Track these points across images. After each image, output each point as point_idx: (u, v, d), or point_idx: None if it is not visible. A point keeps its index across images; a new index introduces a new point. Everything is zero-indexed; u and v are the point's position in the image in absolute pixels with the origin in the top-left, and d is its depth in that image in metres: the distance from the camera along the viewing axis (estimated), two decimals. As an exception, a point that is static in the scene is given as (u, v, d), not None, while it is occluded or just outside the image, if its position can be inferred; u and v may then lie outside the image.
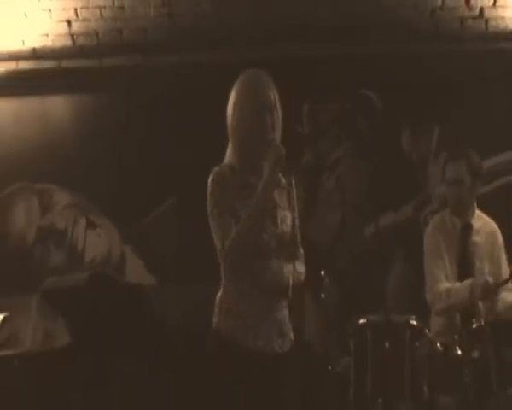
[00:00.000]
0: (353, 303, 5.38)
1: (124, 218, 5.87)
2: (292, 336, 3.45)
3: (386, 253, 5.80)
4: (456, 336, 4.08)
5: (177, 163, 5.73)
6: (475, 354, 3.95)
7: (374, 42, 5.70)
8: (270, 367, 3.32)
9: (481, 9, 5.69)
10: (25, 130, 5.94)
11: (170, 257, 5.80)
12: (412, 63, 5.71)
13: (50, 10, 5.66)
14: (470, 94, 5.74)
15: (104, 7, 5.66)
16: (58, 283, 5.27)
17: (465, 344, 3.99)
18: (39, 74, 5.83)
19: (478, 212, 4.72)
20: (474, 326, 4.04)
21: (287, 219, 3.41)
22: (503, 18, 5.71)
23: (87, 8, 5.67)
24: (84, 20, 5.72)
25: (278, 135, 3.40)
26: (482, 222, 4.71)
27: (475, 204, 4.70)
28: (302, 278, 3.48)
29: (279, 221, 3.39)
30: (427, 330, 4.12)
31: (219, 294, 3.43)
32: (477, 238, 4.63)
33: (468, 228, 4.64)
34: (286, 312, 3.41)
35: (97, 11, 5.68)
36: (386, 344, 3.98)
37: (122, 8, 5.66)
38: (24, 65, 5.85)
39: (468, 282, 4.45)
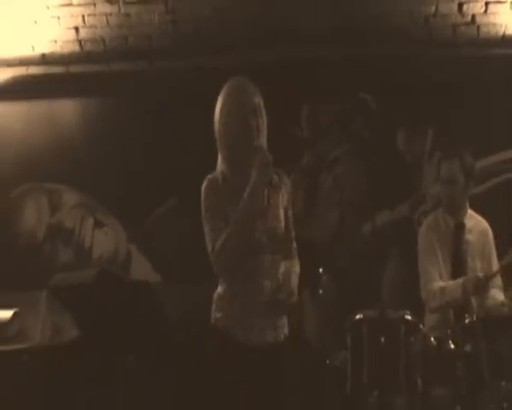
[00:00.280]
0: (350, 299, 5.33)
1: (129, 217, 5.91)
2: (286, 330, 3.54)
3: (383, 251, 5.83)
4: (449, 331, 4.11)
5: (180, 166, 5.76)
6: (468, 348, 3.98)
7: (372, 44, 5.73)
8: (265, 359, 3.43)
9: (473, 16, 5.70)
10: (34, 132, 6.00)
11: (172, 256, 5.84)
12: (408, 65, 5.75)
13: (59, 17, 5.67)
14: (463, 96, 5.78)
15: (110, 14, 5.66)
16: (66, 279, 5.21)
17: (458, 339, 4.02)
18: (48, 79, 5.88)
19: (470, 211, 4.77)
20: (466, 322, 4.05)
21: (279, 215, 3.51)
22: (494, 24, 5.73)
23: (94, 15, 5.67)
24: (92, 26, 5.73)
25: (264, 141, 3.48)
26: (474, 221, 4.77)
27: (467, 204, 4.76)
28: (297, 272, 3.59)
29: (270, 218, 3.47)
30: (421, 326, 4.10)
31: (216, 291, 3.56)
32: (469, 237, 4.72)
33: (461, 227, 4.72)
34: (280, 307, 3.48)
35: (104, 18, 5.69)
36: (382, 339, 3.97)
37: (128, 15, 5.67)
38: (33, 70, 5.89)
39: (460, 280, 4.53)
